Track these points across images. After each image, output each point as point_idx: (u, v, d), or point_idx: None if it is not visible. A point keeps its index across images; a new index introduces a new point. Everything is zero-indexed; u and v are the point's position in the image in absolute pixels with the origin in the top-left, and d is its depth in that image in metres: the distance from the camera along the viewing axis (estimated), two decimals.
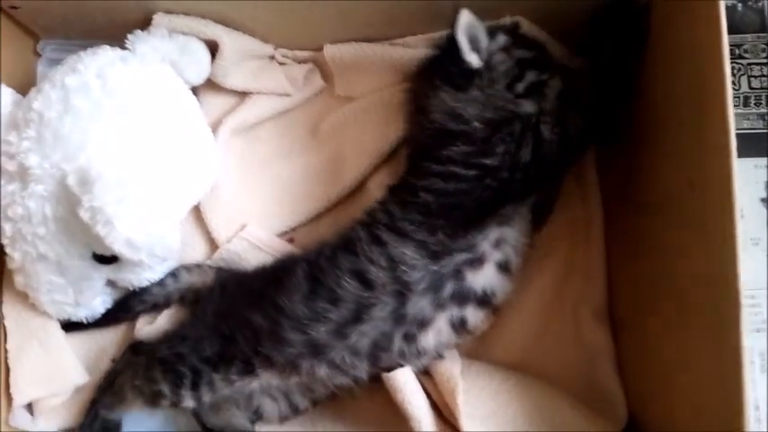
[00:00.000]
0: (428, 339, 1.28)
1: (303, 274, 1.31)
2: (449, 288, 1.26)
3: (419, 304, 1.25)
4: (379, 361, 1.28)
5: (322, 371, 1.27)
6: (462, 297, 1.27)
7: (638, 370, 1.36)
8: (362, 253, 1.27)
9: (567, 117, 1.26)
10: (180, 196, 1.45)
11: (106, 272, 1.40)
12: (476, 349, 1.46)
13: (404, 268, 1.24)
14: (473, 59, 1.31)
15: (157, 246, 1.30)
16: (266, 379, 1.32)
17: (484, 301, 1.30)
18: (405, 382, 1.28)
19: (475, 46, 1.31)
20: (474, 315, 1.30)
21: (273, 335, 1.27)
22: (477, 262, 1.28)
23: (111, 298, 1.48)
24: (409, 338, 1.27)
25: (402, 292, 1.24)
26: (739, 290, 0.96)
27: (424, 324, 1.26)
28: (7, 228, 1.32)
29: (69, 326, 1.46)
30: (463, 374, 1.32)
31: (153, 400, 1.35)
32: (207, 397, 1.32)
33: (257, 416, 1.44)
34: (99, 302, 1.45)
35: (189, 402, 1.33)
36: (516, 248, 1.34)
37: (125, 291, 1.48)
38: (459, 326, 1.29)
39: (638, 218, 1.35)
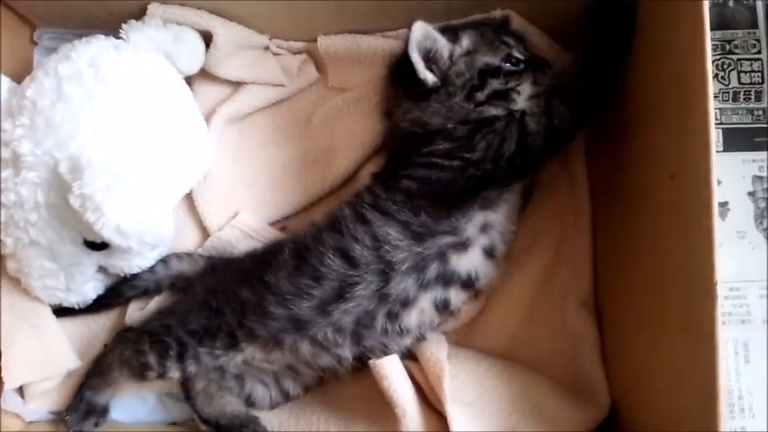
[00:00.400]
0: (411, 319, 1.29)
1: (289, 251, 1.34)
2: (433, 269, 1.28)
3: (403, 284, 1.26)
4: (362, 339, 1.29)
5: (305, 347, 1.30)
6: (446, 279, 1.29)
7: (620, 359, 1.37)
8: (347, 231, 1.29)
9: (552, 108, 1.27)
10: (172, 184, 1.46)
11: (97, 258, 1.41)
12: (463, 336, 1.47)
13: (387, 248, 1.26)
14: (428, 77, 1.32)
15: (147, 233, 1.31)
16: (250, 353, 1.34)
17: (468, 284, 1.31)
18: (391, 370, 1.29)
19: (432, 58, 1.32)
20: (457, 297, 1.32)
21: (258, 308, 1.30)
22: (462, 246, 1.29)
23: (103, 284, 1.49)
24: (392, 317, 1.28)
25: (386, 271, 1.26)
26: (715, 282, 0.97)
27: (407, 303, 1.28)
28: (1, 214, 1.34)
29: (61, 311, 1.47)
30: (450, 360, 1.33)
31: (140, 372, 1.37)
32: (192, 368, 1.35)
33: (249, 403, 1.45)
34: (90, 288, 1.46)
35: (174, 373, 1.35)
36: (503, 235, 1.36)
37: (116, 277, 1.49)
38: (443, 307, 1.31)
39: (622, 209, 1.36)
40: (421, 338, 1.35)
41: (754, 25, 1.51)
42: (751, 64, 1.50)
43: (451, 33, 1.35)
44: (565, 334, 1.45)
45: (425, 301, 1.29)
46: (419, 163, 1.31)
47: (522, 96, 1.34)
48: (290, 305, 1.27)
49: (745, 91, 1.50)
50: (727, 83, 1.50)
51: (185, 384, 1.42)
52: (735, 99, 1.49)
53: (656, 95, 1.21)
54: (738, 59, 1.51)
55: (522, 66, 1.36)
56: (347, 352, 1.31)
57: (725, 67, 1.51)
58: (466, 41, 1.36)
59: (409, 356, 1.37)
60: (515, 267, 1.50)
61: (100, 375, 1.43)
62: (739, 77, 1.50)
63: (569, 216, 1.51)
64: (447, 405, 1.26)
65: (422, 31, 1.29)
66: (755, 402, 1.41)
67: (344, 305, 1.26)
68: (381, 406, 1.32)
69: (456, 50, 1.35)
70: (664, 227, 1.16)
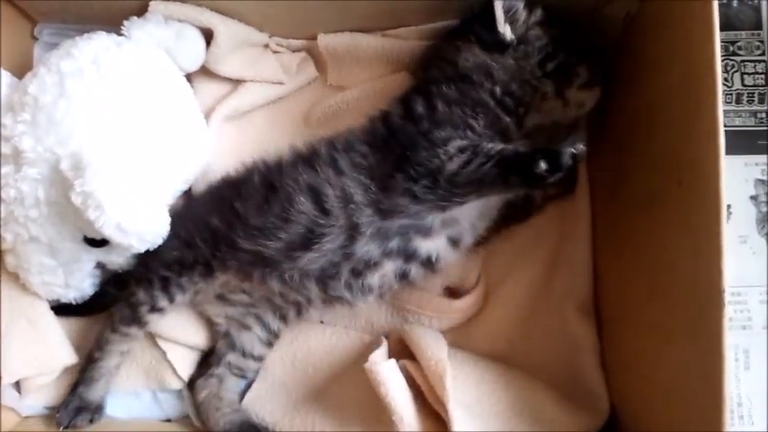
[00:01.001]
0: (374, 279, 1.32)
1: (259, 178, 1.36)
2: (395, 242, 1.29)
3: (367, 247, 1.28)
4: (328, 288, 1.33)
5: (273, 283, 1.34)
6: (408, 254, 1.31)
7: (621, 364, 1.36)
8: (321, 172, 1.30)
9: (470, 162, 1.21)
10: (172, 181, 1.46)
11: (96, 254, 1.41)
12: (460, 337, 1.48)
13: (353, 207, 1.27)
14: (507, 32, 1.33)
15: (147, 231, 1.31)
16: (225, 280, 1.40)
17: (428, 264, 1.33)
18: (387, 376, 1.28)
19: (512, 18, 1.33)
20: (417, 272, 1.34)
21: (227, 239, 1.34)
22: (425, 231, 1.30)
23: (101, 280, 1.49)
24: (356, 274, 1.31)
25: (351, 232, 1.27)
26: (723, 289, 0.96)
27: (369, 265, 1.30)
28: (0, 210, 1.34)
29: (59, 310, 1.48)
30: (449, 361, 1.32)
31: (133, 315, 1.42)
32: (179, 297, 1.41)
33: (246, 355, 1.48)
34: (88, 284, 1.46)
35: (163, 302, 1.41)
36: (470, 230, 1.36)
37: (114, 273, 1.49)
38: (402, 277, 1.33)
39: (627, 214, 1.35)
40: (382, 296, 1.40)
41: (759, 26, 1.50)
42: (755, 66, 1.49)
43: (527, 3, 1.36)
44: (563, 338, 1.45)
45: (387, 268, 1.31)
46: (428, 91, 1.33)
47: (578, 81, 1.37)
48: (257, 242, 1.30)
49: (748, 93, 1.49)
50: (730, 85, 1.49)
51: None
52: (738, 101, 1.49)
53: (663, 98, 1.20)
54: (742, 61, 1.50)
55: (582, 51, 1.38)
56: (314, 295, 1.36)
57: (728, 68, 1.50)
58: (540, 12, 1.37)
59: (408, 356, 1.36)
60: (514, 269, 1.50)
61: (94, 361, 1.44)
62: (743, 79, 1.49)
63: (569, 219, 1.51)
64: (449, 405, 1.25)
65: None
66: (755, 409, 1.41)
67: (311, 254, 1.28)
68: (376, 407, 1.31)
69: (531, 18, 1.36)
70: (670, 232, 1.15)
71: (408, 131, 1.28)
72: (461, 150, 1.21)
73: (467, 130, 1.27)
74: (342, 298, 1.35)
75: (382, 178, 1.27)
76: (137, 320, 1.42)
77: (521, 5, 1.34)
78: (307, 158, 1.34)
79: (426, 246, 1.31)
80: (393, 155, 1.28)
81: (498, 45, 1.34)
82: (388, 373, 1.28)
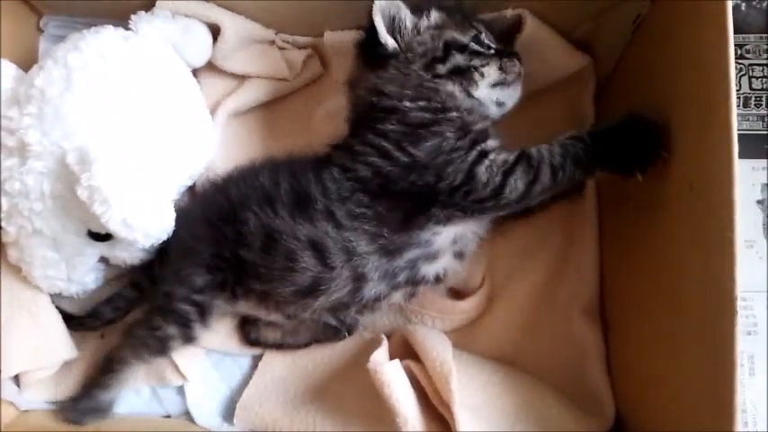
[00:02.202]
0: (382, 305, 1.37)
1: (255, 224, 1.32)
2: (403, 276, 1.30)
3: (375, 289, 1.29)
4: (339, 314, 1.39)
5: (290, 309, 1.36)
6: (416, 281, 1.33)
7: (628, 370, 1.35)
8: (319, 225, 1.28)
9: (511, 175, 1.22)
10: (177, 176, 1.46)
11: (100, 249, 1.41)
12: (465, 340, 1.47)
13: (358, 260, 1.26)
14: (388, 41, 1.30)
15: (152, 226, 1.32)
16: (248, 305, 1.41)
17: (435, 280, 1.35)
18: (392, 377, 1.28)
19: (396, 27, 1.31)
20: (424, 289, 1.37)
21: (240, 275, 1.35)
22: (432, 256, 1.31)
23: (103, 274, 1.49)
24: (366, 307, 1.35)
25: (358, 280, 1.28)
26: (735, 295, 0.95)
27: (378, 299, 1.32)
28: (4, 202, 1.34)
29: (72, 325, 1.49)
30: (454, 363, 1.32)
31: (162, 346, 1.38)
32: (211, 322, 1.39)
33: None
34: (91, 279, 1.47)
35: (199, 333, 1.38)
36: (473, 239, 1.38)
37: (118, 268, 1.49)
38: (410, 296, 1.37)
39: (638, 218, 1.33)
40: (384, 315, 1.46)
41: (767, 30, 1.51)
42: (763, 69, 1.50)
43: (419, 9, 1.34)
44: (569, 342, 1.45)
45: (396, 297, 1.35)
46: (373, 144, 1.29)
47: (486, 81, 1.32)
48: (266, 286, 1.32)
49: (756, 97, 1.49)
50: (738, 88, 1.50)
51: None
52: (746, 105, 1.49)
53: (675, 102, 1.19)
54: (750, 65, 1.50)
55: (491, 51, 1.35)
56: (329, 319, 1.41)
57: (736, 72, 1.48)
58: (435, 16, 1.34)
59: (411, 356, 1.36)
60: (520, 273, 1.50)
61: (112, 372, 1.41)
62: (750, 83, 1.50)
63: (576, 222, 1.50)
64: (454, 407, 1.25)
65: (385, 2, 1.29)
66: (759, 416, 1.41)
67: (319, 301, 1.29)
68: (377, 407, 1.31)
69: (422, 23, 1.33)
70: (681, 238, 1.14)
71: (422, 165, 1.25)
72: (512, 166, 1.22)
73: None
74: (352, 323, 1.43)
75: (400, 221, 1.27)
76: (164, 350, 1.39)
77: (404, 13, 1.31)
78: (303, 207, 1.30)
79: (434, 268, 1.32)
80: (407, 196, 1.27)
81: (382, 59, 1.32)
82: (392, 374, 1.28)
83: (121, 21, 1.46)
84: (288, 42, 1.61)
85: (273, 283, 1.29)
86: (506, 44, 1.40)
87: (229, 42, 1.51)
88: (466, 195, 1.22)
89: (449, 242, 1.31)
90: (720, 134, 0.99)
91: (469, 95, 1.32)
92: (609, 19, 1.39)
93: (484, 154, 1.23)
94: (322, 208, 1.28)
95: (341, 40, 1.54)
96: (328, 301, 1.29)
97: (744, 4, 1.50)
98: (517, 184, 1.21)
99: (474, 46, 1.33)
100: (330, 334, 1.46)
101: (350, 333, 1.47)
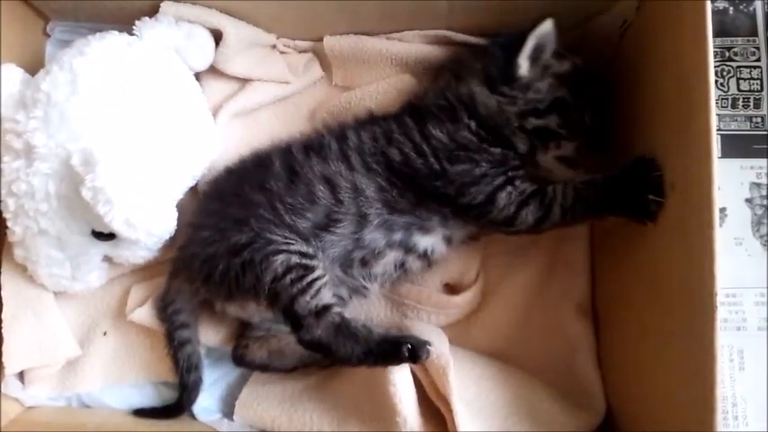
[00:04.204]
0: (378, 269, 1.39)
1: (280, 163, 1.37)
2: (398, 234, 1.36)
3: (373, 235, 1.34)
4: (347, 274, 1.38)
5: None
6: (407, 247, 1.37)
7: (618, 364, 1.38)
8: (333, 163, 1.34)
9: (524, 207, 1.28)
10: (180, 177, 1.48)
11: (104, 248, 1.43)
12: (458, 335, 1.48)
13: (363, 199, 1.32)
14: (523, 67, 1.31)
15: (155, 225, 1.35)
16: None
17: (423, 256, 1.40)
18: (399, 377, 1.29)
19: (535, 55, 1.32)
20: (413, 263, 1.40)
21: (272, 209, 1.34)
22: (425, 229, 1.37)
23: (106, 273, 1.52)
24: (365, 264, 1.37)
25: (360, 221, 1.32)
26: (715, 292, 0.98)
27: (375, 254, 1.36)
28: (10, 203, 1.36)
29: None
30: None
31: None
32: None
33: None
34: (95, 277, 1.49)
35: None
36: (464, 230, 1.42)
37: (121, 267, 1.52)
38: (400, 266, 1.40)
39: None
40: (383, 285, 1.45)
41: (754, 33, 1.53)
42: (750, 71, 1.52)
43: (558, 53, 1.35)
44: (561, 337, 1.47)
45: (389, 257, 1.38)
46: (414, 140, 1.34)
47: (557, 151, 1.35)
48: (292, 217, 1.32)
49: (744, 98, 1.51)
50: (726, 90, 1.52)
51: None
52: (734, 106, 1.51)
53: (657, 103, 1.22)
54: (738, 67, 1.52)
55: (581, 130, 1.35)
56: (336, 280, 1.38)
57: (724, 74, 1.52)
58: (567, 66, 1.35)
59: None
60: (513, 270, 1.52)
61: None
62: (738, 85, 1.52)
63: None
64: (451, 398, 1.27)
65: (548, 28, 1.30)
66: (749, 410, 1.42)
67: (331, 236, 1.32)
68: (374, 406, 1.33)
69: (554, 67, 1.35)
70: (665, 236, 1.16)
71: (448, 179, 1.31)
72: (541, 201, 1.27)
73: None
74: (356, 289, 1.41)
75: (410, 199, 1.34)
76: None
77: (551, 47, 1.32)
78: (317, 150, 1.37)
79: (424, 241, 1.37)
80: (426, 191, 1.33)
81: (502, 77, 1.33)
82: (399, 373, 1.29)
83: (126, 26, 1.48)
84: (289, 47, 1.64)
85: (297, 215, 1.31)
86: None
87: (231, 47, 1.53)
88: (480, 214, 1.30)
89: (439, 222, 1.37)
90: (701, 136, 1.02)
91: (532, 155, 1.35)
92: (597, 24, 1.41)
93: (511, 181, 1.29)
94: (337, 152, 1.35)
95: (340, 44, 1.57)
96: (338, 238, 1.32)
97: (731, 9, 1.53)
98: (528, 217, 1.27)
99: (572, 118, 1.33)
100: (317, 356, 1.41)
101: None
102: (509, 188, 1.28)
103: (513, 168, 1.31)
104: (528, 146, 1.33)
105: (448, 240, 1.40)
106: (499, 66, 1.34)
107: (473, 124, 1.33)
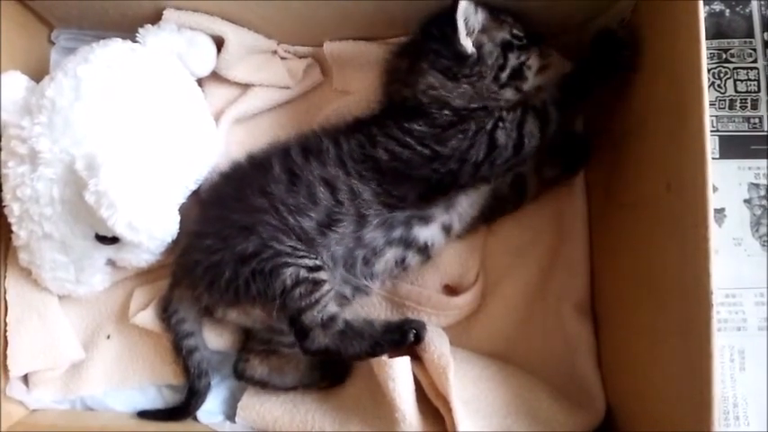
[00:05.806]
0: (379, 266, 1.40)
1: (279, 167, 1.38)
2: (398, 231, 1.38)
3: (373, 234, 1.36)
4: (350, 273, 1.38)
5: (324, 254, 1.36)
6: (407, 243, 1.39)
7: (618, 364, 1.38)
8: (330, 166, 1.36)
9: (525, 125, 1.31)
10: (182, 181, 1.49)
11: (107, 252, 1.45)
12: (458, 336, 1.49)
13: (361, 202, 1.34)
14: (468, 45, 1.33)
15: (157, 229, 1.36)
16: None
17: (423, 250, 1.41)
18: (399, 373, 1.30)
19: (469, 29, 1.34)
20: (412, 258, 1.42)
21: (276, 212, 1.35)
22: (425, 220, 1.39)
23: (110, 276, 1.52)
24: (366, 262, 1.39)
25: (359, 221, 1.34)
26: (711, 291, 0.99)
27: (376, 253, 1.38)
28: (15, 207, 1.38)
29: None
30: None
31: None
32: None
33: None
34: (98, 280, 1.50)
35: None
36: (461, 216, 1.43)
37: (124, 270, 1.53)
38: (400, 262, 1.41)
39: (620, 216, 1.37)
40: (382, 284, 1.46)
41: (750, 35, 1.53)
42: (747, 73, 1.52)
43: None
44: (561, 337, 1.47)
45: (389, 255, 1.39)
46: (396, 137, 1.35)
47: (532, 71, 1.39)
48: (296, 218, 1.33)
49: (741, 99, 1.51)
50: (723, 91, 1.52)
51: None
52: (731, 107, 1.51)
53: (652, 104, 1.23)
54: (735, 68, 1.53)
55: (524, 41, 1.39)
56: (340, 279, 1.38)
57: (721, 75, 1.53)
58: (481, 16, 1.37)
59: (409, 352, 1.36)
60: (513, 270, 1.53)
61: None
62: (735, 86, 1.52)
63: (566, 220, 1.54)
64: (451, 398, 1.27)
65: (466, 3, 1.31)
66: (750, 410, 1.42)
67: (334, 235, 1.34)
68: (376, 405, 1.34)
69: (480, 24, 1.37)
70: (660, 235, 1.17)
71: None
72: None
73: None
74: (359, 288, 1.41)
75: (414, 198, 1.36)
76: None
77: (472, 11, 1.33)
78: (315, 154, 1.37)
79: (424, 233, 1.39)
80: (424, 181, 1.35)
81: (457, 64, 1.35)
82: (400, 370, 1.30)
83: (129, 33, 1.50)
84: (289, 52, 1.65)
85: (301, 215, 1.32)
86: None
87: (233, 53, 1.55)
88: (491, 165, 1.31)
89: (441, 209, 1.39)
90: (695, 137, 1.03)
91: (519, 91, 1.38)
92: (596, 26, 1.41)
93: (500, 119, 1.32)
94: (334, 157, 1.36)
95: (340, 49, 1.59)
96: (340, 236, 1.34)
97: (728, 11, 1.53)
98: (532, 131, 1.31)
99: (515, 42, 1.38)
100: (316, 378, 1.45)
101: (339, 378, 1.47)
102: (500, 124, 1.31)
103: (496, 110, 1.34)
104: (513, 90, 1.37)
105: (447, 230, 1.41)
106: (447, 57, 1.35)
107: (447, 110, 1.35)
